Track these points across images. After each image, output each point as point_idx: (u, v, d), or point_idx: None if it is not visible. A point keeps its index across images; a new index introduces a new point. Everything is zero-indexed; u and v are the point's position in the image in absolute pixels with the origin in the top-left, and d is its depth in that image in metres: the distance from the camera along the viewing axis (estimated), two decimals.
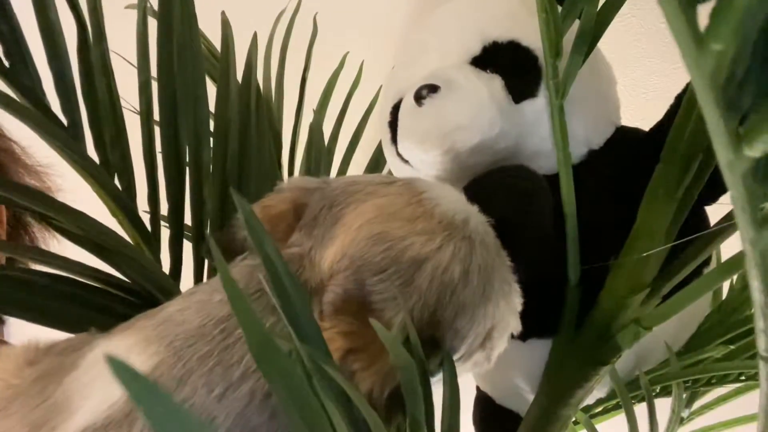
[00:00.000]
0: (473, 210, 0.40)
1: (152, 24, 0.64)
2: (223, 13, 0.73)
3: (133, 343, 0.37)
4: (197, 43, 0.63)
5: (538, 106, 0.48)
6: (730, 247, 0.46)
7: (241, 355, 0.36)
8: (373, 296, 0.36)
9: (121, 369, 0.16)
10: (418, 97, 0.47)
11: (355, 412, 0.32)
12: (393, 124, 0.54)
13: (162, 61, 0.61)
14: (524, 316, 0.52)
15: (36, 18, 0.59)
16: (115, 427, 0.34)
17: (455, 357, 0.39)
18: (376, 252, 0.37)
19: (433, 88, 0.47)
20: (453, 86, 0.47)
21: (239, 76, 0.69)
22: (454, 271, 0.37)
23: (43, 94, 0.59)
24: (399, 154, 0.53)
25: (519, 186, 0.45)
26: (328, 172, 0.77)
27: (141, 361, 0.36)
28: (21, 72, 0.58)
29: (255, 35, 0.74)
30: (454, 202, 0.40)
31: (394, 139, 0.54)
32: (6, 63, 0.57)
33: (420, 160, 0.50)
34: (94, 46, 0.61)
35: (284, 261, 0.31)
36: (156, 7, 0.62)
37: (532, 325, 0.51)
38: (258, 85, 0.72)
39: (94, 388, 0.35)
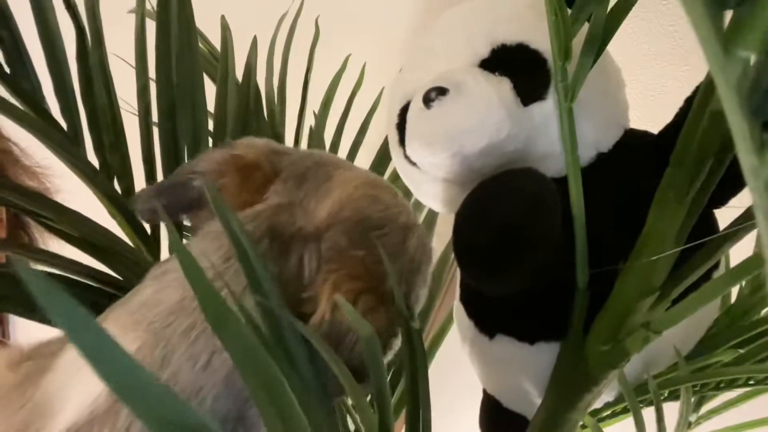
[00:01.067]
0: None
1: (151, 28, 0.64)
2: (222, 17, 0.73)
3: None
4: (195, 46, 0.63)
5: (546, 108, 0.48)
6: (738, 251, 0.45)
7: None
8: (374, 249, 0.39)
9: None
10: (427, 100, 0.47)
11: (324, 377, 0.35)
12: (401, 127, 0.54)
13: (160, 64, 0.62)
14: (532, 319, 0.52)
15: (36, 24, 0.58)
16: (99, 421, 0.35)
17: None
18: (375, 210, 0.41)
19: (441, 91, 0.47)
20: (462, 89, 0.47)
21: (240, 78, 0.68)
22: (430, 242, 0.44)
23: (43, 99, 0.59)
24: (407, 157, 0.53)
25: (528, 189, 0.45)
26: None
27: None
28: (21, 77, 0.58)
29: (255, 39, 0.74)
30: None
31: (402, 142, 0.53)
32: (7, 69, 0.57)
33: (428, 163, 0.50)
34: (92, 50, 0.62)
35: (248, 236, 0.35)
36: (154, 10, 0.62)
37: (540, 329, 0.52)
38: (257, 87, 0.71)
39: (74, 387, 0.36)
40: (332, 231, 0.40)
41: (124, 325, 0.37)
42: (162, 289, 0.38)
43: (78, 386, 0.36)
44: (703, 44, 0.19)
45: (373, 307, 0.38)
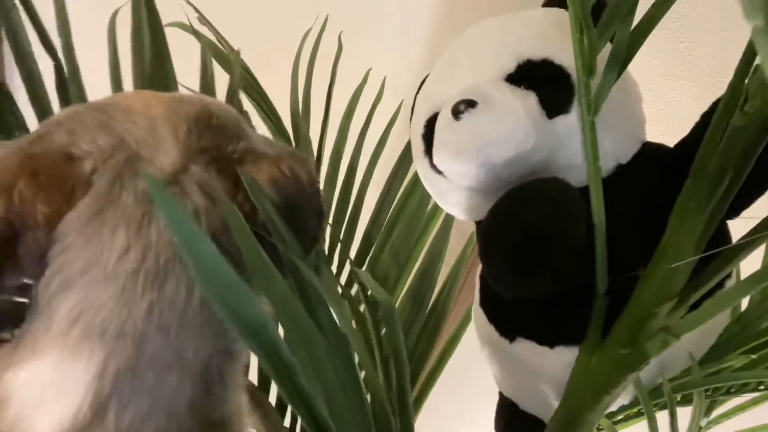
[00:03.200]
0: None
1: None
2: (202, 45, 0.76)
3: (58, 359, 0.36)
4: (168, 71, 0.66)
5: (570, 121, 0.50)
6: (748, 260, 0.48)
7: (176, 277, 0.38)
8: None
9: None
10: (456, 112, 0.49)
11: None
12: (427, 137, 0.56)
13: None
14: (553, 323, 0.54)
15: (17, 67, 0.62)
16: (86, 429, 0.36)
17: None
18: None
19: (470, 103, 0.49)
20: (490, 101, 0.49)
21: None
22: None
23: (28, 131, 0.62)
24: (433, 166, 0.55)
25: (555, 197, 0.47)
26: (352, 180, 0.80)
27: (83, 369, 0.36)
28: (6, 113, 0.61)
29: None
30: None
31: (428, 151, 0.55)
32: None
33: (455, 172, 0.52)
34: (70, 82, 0.65)
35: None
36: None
37: (560, 333, 0.53)
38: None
39: (40, 415, 0.36)
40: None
41: (69, 346, 0.36)
42: (86, 295, 0.37)
43: (47, 409, 0.36)
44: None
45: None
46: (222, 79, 0.72)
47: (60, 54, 0.65)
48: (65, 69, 0.65)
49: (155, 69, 0.68)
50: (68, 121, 0.41)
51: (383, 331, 0.57)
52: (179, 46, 0.72)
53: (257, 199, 0.40)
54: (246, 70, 0.75)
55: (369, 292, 0.61)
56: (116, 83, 0.69)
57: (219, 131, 0.43)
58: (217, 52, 0.77)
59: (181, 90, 0.69)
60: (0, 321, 0.38)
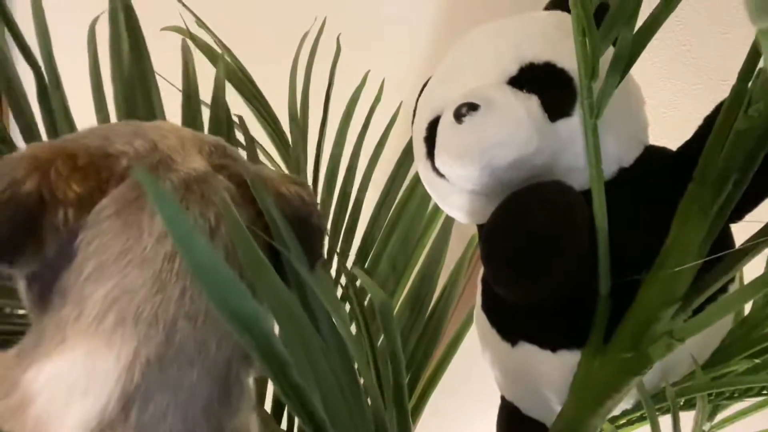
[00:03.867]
0: None
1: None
2: (183, 40, 0.76)
3: (90, 350, 0.36)
4: (149, 78, 0.66)
5: (572, 124, 0.50)
6: (752, 265, 0.47)
7: None
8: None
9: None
10: (458, 115, 0.49)
11: None
12: (429, 140, 0.55)
13: (117, 97, 0.65)
14: (555, 327, 0.54)
15: None
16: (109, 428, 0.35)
17: None
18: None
19: (472, 107, 0.49)
20: (492, 105, 0.49)
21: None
22: None
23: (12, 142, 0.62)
24: (435, 168, 0.55)
25: (558, 200, 0.47)
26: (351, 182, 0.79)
27: (114, 360, 0.36)
28: None
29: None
30: None
31: (430, 154, 0.55)
32: None
33: (457, 175, 0.52)
34: (52, 92, 0.65)
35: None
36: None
37: (563, 337, 0.53)
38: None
39: (66, 413, 0.36)
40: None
41: (102, 336, 0.36)
42: (122, 279, 0.37)
43: (72, 412, 0.36)
44: None
45: None
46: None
47: (40, 63, 0.65)
48: (46, 78, 0.65)
49: (134, 69, 0.67)
50: (99, 131, 0.43)
51: (381, 337, 0.56)
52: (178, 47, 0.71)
53: (266, 212, 0.41)
54: (245, 75, 0.75)
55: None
56: (97, 89, 0.68)
57: (233, 159, 0.45)
58: (212, 52, 0.77)
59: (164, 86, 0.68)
60: None
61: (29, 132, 0.64)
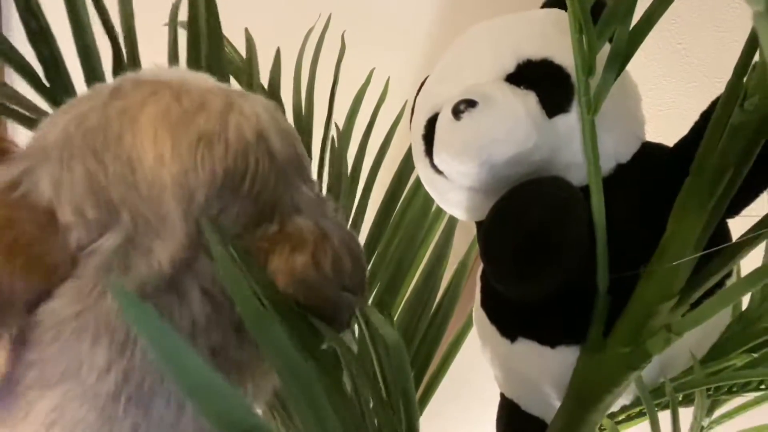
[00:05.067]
0: None
1: (182, 42, 0.67)
2: (246, 30, 0.76)
3: None
4: (223, 56, 0.66)
5: (570, 121, 0.50)
6: (749, 258, 0.48)
7: (164, 396, 0.34)
8: None
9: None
10: (456, 112, 0.49)
11: None
12: (427, 137, 0.56)
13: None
14: (554, 323, 0.54)
15: (74, 42, 0.62)
16: None
17: None
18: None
19: (471, 103, 0.49)
20: (490, 101, 0.49)
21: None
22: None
23: None
24: (433, 166, 0.55)
25: (558, 195, 0.47)
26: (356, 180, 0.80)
27: None
28: (60, 91, 0.61)
29: (278, 51, 0.77)
30: None
31: (428, 151, 0.56)
32: (47, 83, 0.61)
33: (456, 172, 0.52)
34: (127, 65, 0.65)
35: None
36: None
37: (562, 332, 0.54)
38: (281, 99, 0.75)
39: None
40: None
41: None
42: (65, 404, 0.33)
43: None
44: None
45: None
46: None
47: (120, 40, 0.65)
48: (124, 52, 0.65)
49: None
50: (58, 153, 0.35)
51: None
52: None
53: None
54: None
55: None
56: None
57: (250, 200, 0.35)
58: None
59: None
60: None
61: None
